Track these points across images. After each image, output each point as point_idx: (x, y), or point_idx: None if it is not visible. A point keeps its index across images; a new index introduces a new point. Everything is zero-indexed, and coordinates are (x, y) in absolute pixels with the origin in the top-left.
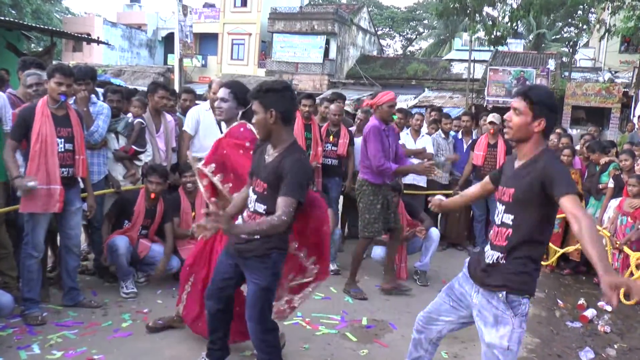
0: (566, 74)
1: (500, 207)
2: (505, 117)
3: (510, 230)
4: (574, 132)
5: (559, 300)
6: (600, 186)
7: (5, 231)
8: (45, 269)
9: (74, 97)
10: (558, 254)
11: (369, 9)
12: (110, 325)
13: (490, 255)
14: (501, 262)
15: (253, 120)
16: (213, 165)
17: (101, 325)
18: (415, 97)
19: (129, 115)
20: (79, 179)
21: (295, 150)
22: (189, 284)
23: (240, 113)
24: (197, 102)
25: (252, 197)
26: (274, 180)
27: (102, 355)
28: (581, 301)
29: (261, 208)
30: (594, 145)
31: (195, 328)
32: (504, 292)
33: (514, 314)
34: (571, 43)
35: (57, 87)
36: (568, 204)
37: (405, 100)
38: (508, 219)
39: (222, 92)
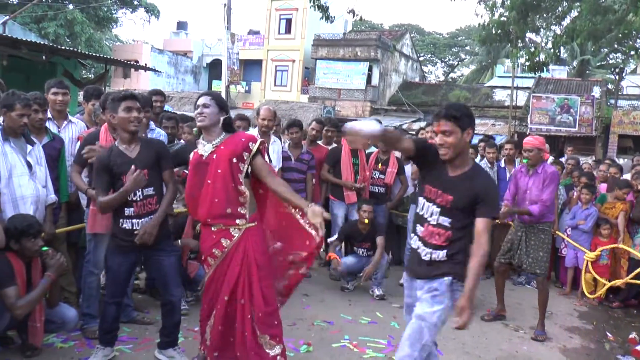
0: (612, 101)
1: (434, 209)
2: (436, 142)
3: (449, 232)
4: (621, 161)
5: (608, 333)
6: None
7: (66, 249)
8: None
9: None
10: (606, 287)
11: (412, 35)
12: None
13: (429, 253)
14: (443, 258)
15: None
16: None
17: (154, 341)
18: None
19: (182, 141)
20: None
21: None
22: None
23: (221, 119)
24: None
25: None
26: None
27: None
28: (632, 335)
29: (446, 222)
30: None
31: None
32: (450, 278)
33: (452, 297)
34: (617, 70)
35: None
36: (480, 225)
37: None
38: (445, 221)
39: (204, 100)
